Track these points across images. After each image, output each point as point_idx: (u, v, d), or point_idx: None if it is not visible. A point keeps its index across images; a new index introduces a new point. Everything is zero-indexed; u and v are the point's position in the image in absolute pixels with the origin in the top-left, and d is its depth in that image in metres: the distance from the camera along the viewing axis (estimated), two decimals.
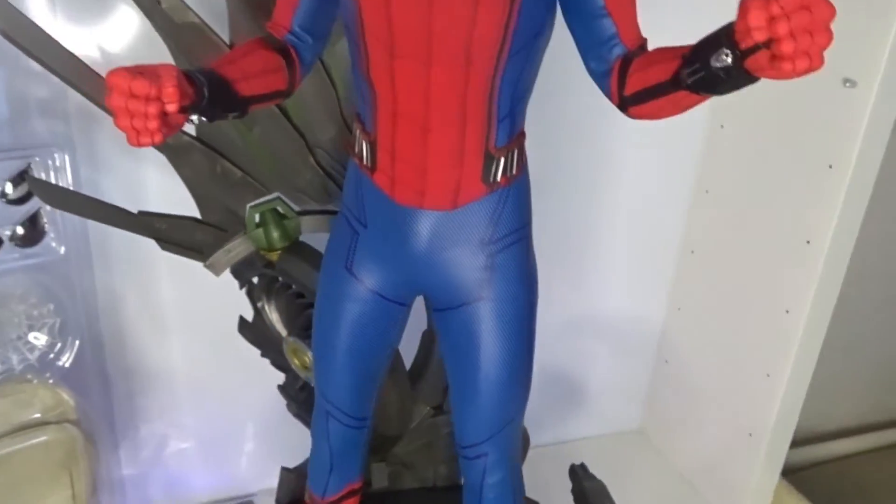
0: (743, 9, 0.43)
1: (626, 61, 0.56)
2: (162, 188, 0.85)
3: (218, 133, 0.78)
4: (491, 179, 0.61)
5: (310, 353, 0.91)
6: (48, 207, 0.84)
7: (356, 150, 0.64)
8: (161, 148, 0.76)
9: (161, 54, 0.71)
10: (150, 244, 0.84)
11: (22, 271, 0.87)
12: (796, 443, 1.25)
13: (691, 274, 1.36)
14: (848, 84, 1.01)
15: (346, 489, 0.80)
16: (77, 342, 0.90)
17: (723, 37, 0.45)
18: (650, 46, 0.57)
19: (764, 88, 0.50)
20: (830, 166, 1.04)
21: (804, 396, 1.21)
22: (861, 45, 0.96)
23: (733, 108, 1.20)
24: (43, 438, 0.88)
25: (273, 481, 0.93)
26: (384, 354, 0.71)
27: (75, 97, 0.78)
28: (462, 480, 0.76)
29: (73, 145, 0.86)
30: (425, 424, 0.96)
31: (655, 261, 1.36)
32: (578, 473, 0.96)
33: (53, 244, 0.87)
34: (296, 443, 0.91)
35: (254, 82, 0.57)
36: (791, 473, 1.30)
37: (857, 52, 0.98)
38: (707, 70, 0.46)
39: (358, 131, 0.64)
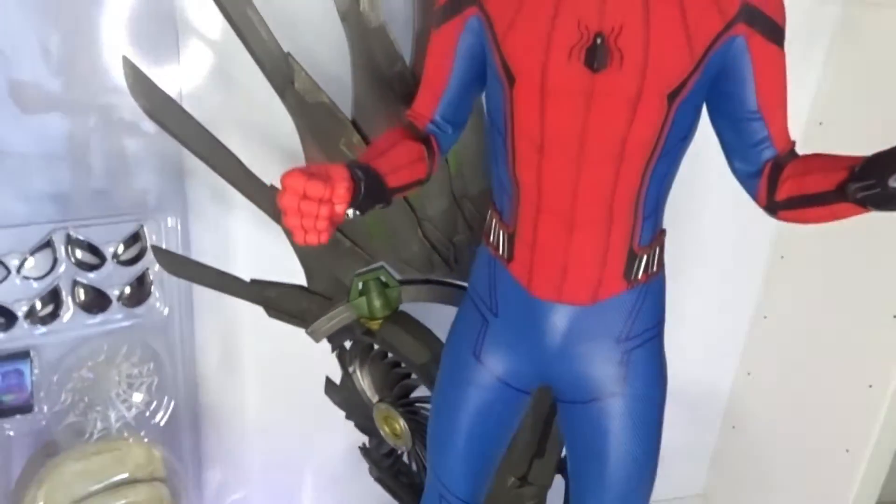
0: None
1: (777, 165, 0.56)
2: (272, 254, 0.86)
3: None
4: (633, 277, 0.61)
5: (401, 421, 0.91)
6: (156, 268, 0.85)
7: (491, 238, 0.64)
8: (279, 219, 0.77)
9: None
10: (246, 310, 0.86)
11: (127, 330, 0.88)
12: None
13: (763, 339, 1.34)
14: None
15: None
16: (173, 402, 0.91)
17: None
18: None
19: None
20: None
21: (886, 472, 1.18)
22: None
23: None
24: (133, 499, 0.88)
25: None
26: (504, 441, 0.70)
27: (190, 161, 0.80)
28: None
29: (185, 209, 0.87)
30: (511, 494, 0.95)
31: (727, 325, 1.35)
32: None
33: (158, 304, 0.89)
34: None
35: (401, 173, 0.58)
36: None
37: None
38: (883, 188, 0.46)
39: (494, 220, 0.64)
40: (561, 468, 0.93)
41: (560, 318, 0.62)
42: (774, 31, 0.54)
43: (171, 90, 0.81)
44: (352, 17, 0.69)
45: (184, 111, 0.67)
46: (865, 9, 1.07)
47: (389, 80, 0.73)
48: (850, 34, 1.11)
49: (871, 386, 1.13)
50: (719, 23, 0.52)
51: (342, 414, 1.00)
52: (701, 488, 1.49)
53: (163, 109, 0.66)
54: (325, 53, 0.75)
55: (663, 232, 0.63)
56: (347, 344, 0.93)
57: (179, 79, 0.82)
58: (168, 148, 0.83)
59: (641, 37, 0.51)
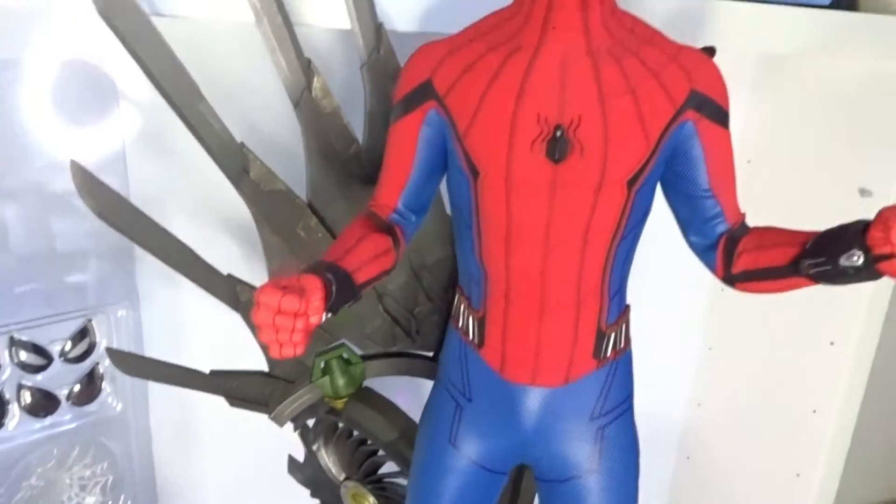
0: (883, 220, 0.45)
1: (732, 239, 0.58)
2: (227, 330, 0.84)
3: None
4: (602, 355, 0.62)
5: (371, 498, 0.90)
6: (107, 362, 0.82)
7: (460, 324, 0.65)
8: (237, 307, 0.75)
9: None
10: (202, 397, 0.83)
11: (78, 430, 0.84)
12: None
13: (710, 370, 1.38)
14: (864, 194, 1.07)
15: None
16: (129, 501, 0.87)
17: (851, 237, 0.48)
18: None
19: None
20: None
21: (835, 494, 1.23)
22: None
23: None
24: None
25: None
26: None
27: (141, 256, 0.78)
28: None
29: (136, 296, 0.84)
30: None
31: (674, 358, 1.38)
32: None
33: (110, 399, 0.85)
34: None
35: (368, 268, 0.57)
36: None
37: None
38: (834, 266, 0.49)
39: (463, 306, 0.64)
40: None
41: (534, 401, 0.62)
42: (720, 115, 0.57)
43: (116, 174, 0.79)
44: (304, 104, 0.69)
45: (135, 209, 0.65)
46: (777, 60, 1.15)
47: (344, 162, 0.73)
48: (767, 79, 1.18)
49: (815, 411, 1.18)
50: (670, 110, 0.55)
51: (306, 493, 0.97)
52: None
53: (113, 209, 0.63)
54: (278, 136, 0.75)
55: (628, 307, 0.64)
56: (310, 422, 0.91)
57: (124, 163, 0.80)
58: (114, 235, 0.80)
59: (600, 128, 0.53)
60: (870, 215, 1.15)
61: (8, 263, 0.78)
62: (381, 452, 0.87)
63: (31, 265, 0.80)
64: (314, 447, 0.92)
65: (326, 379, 0.83)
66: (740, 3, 0.84)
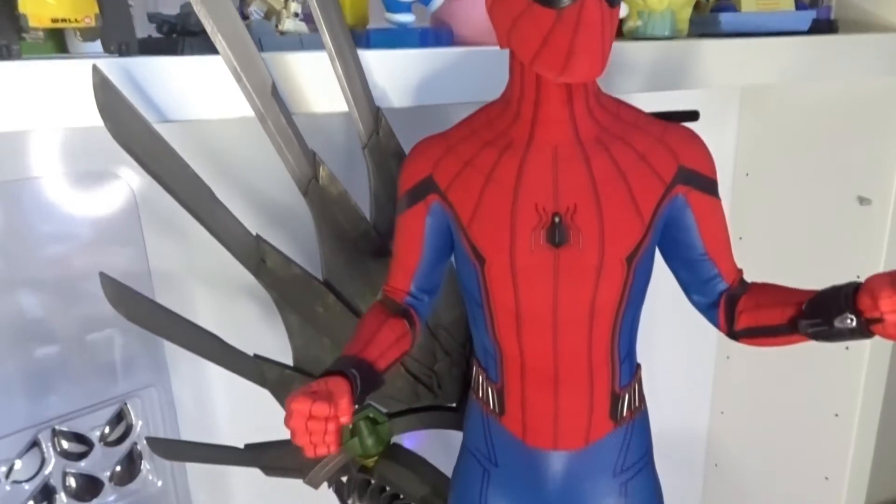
0: (870, 289, 0.48)
1: (732, 297, 0.61)
2: (256, 399, 0.87)
3: (315, 361, 0.81)
4: (619, 416, 0.65)
5: None
6: (144, 442, 0.85)
7: (480, 394, 0.67)
8: (264, 384, 0.78)
9: None
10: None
11: None
12: None
13: (730, 378, 1.39)
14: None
15: None
16: None
17: (843, 301, 0.51)
18: None
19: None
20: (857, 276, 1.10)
21: (865, 496, 1.24)
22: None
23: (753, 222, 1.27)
24: None
25: None
26: None
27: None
28: None
29: (167, 376, 0.88)
30: None
31: (695, 369, 1.40)
32: None
33: (151, 476, 0.88)
34: None
35: (388, 354, 0.61)
36: None
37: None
38: (830, 327, 0.51)
39: (481, 378, 0.67)
40: None
41: (558, 464, 0.65)
42: (709, 185, 0.60)
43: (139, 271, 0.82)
44: (313, 192, 0.72)
45: (164, 309, 0.68)
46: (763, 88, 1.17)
47: (355, 240, 0.76)
48: (756, 103, 1.20)
49: (836, 415, 1.20)
50: (660, 188, 0.58)
51: None
52: None
53: (143, 313, 0.67)
54: (290, 221, 0.78)
55: (639, 367, 0.67)
56: (343, 478, 0.94)
57: (144, 258, 0.84)
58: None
59: (595, 212, 0.56)
60: (870, 223, 1.16)
61: (37, 353, 0.82)
62: None
63: (60, 353, 0.83)
64: (349, 502, 0.95)
65: (355, 440, 0.86)
66: (722, 40, 0.86)
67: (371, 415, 0.87)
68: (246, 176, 0.80)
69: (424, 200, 0.61)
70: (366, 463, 0.88)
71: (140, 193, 0.84)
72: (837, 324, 0.51)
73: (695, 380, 1.43)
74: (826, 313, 0.52)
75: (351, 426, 0.86)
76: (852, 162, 1.10)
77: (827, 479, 1.24)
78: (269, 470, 0.85)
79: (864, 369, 1.15)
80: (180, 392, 0.91)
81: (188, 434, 0.92)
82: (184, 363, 0.92)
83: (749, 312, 0.59)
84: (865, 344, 1.15)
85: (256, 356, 0.77)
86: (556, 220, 0.55)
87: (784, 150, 1.19)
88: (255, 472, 0.88)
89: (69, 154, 0.81)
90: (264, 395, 0.83)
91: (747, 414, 1.39)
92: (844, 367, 1.16)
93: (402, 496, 0.89)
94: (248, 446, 0.83)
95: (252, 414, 0.86)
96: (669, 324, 1.32)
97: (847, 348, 1.17)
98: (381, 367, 0.59)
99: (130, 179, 0.83)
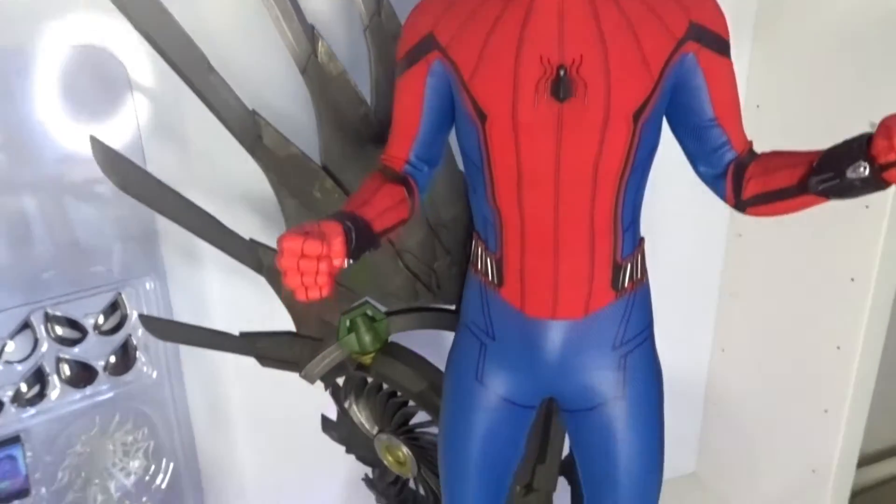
0: (885, 130, 0.46)
1: (740, 166, 0.59)
2: (249, 302, 0.87)
3: None
4: (619, 287, 0.63)
5: (404, 449, 0.92)
6: (140, 333, 0.85)
7: (479, 267, 0.66)
8: (260, 270, 0.77)
9: None
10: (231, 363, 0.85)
11: (117, 399, 0.87)
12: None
13: (732, 316, 1.38)
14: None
15: None
16: (171, 464, 0.90)
17: (856, 149, 0.49)
18: None
19: None
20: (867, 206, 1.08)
21: (863, 430, 1.24)
22: None
23: None
24: None
25: None
26: (514, 462, 0.72)
27: (162, 222, 0.80)
28: None
29: (163, 270, 0.87)
30: (519, 503, 0.97)
31: (696, 306, 1.39)
32: None
33: (145, 368, 0.88)
34: None
35: (386, 217, 0.59)
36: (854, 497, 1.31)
37: None
38: (842, 179, 0.50)
39: (480, 249, 0.66)
40: (563, 471, 0.95)
41: (556, 334, 0.64)
42: (721, 45, 0.58)
43: (134, 156, 0.81)
44: (311, 69, 0.70)
45: (156, 180, 0.67)
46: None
47: (354, 124, 0.74)
48: (771, 23, 1.17)
49: (838, 348, 1.19)
50: (671, 43, 0.56)
51: (341, 450, 1.00)
52: (692, 469, 1.54)
53: (137, 183, 0.66)
54: (289, 105, 0.76)
55: (642, 240, 0.66)
56: (339, 381, 0.94)
57: (139, 143, 0.82)
58: (137, 213, 0.82)
59: (601, 65, 0.54)
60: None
61: (32, 254, 0.81)
62: (411, 403, 0.89)
63: (55, 255, 0.82)
64: (346, 404, 0.95)
65: (352, 336, 0.86)
66: None
67: (369, 312, 0.86)
68: (242, 56, 0.78)
69: (425, 58, 0.59)
70: (363, 360, 0.87)
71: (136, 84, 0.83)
72: (849, 174, 0.49)
73: (696, 317, 1.42)
74: (837, 166, 0.50)
75: (349, 322, 0.86)
76: (866, 87, 1.07)
77: (826, 411, 1.23)
78: (264, 360, 0.84)
79: (868, 301, 1.14)
80: (175, 293, 0.90)
81: None
82: (181, 267, 0.91)
83: (758, 178, 0.58)
84: (871, 275, 1.13)
85: (252, 240, 0.76)
86: (561, 72, 0.54)
87: (798, 76, 1.16)
88: (250, 372, 0.87)
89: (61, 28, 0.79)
90: (261, 298, 0.82)
91: (749, 347, 1.38)
92: (849, 299, 1.14)
93: (398, 394, 0.89)
94: (242, 333, 0.82)
95: (246, 323, 0.86)
96: (672, 263, 1.31)
97: (853, 280, 1.15)
98: (377, 227, 0.57)
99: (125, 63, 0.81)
